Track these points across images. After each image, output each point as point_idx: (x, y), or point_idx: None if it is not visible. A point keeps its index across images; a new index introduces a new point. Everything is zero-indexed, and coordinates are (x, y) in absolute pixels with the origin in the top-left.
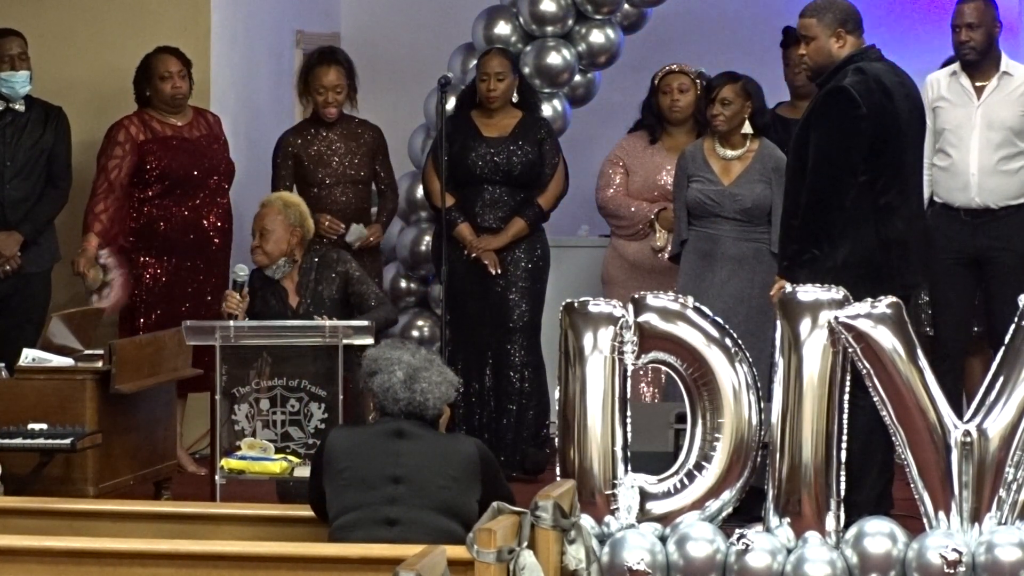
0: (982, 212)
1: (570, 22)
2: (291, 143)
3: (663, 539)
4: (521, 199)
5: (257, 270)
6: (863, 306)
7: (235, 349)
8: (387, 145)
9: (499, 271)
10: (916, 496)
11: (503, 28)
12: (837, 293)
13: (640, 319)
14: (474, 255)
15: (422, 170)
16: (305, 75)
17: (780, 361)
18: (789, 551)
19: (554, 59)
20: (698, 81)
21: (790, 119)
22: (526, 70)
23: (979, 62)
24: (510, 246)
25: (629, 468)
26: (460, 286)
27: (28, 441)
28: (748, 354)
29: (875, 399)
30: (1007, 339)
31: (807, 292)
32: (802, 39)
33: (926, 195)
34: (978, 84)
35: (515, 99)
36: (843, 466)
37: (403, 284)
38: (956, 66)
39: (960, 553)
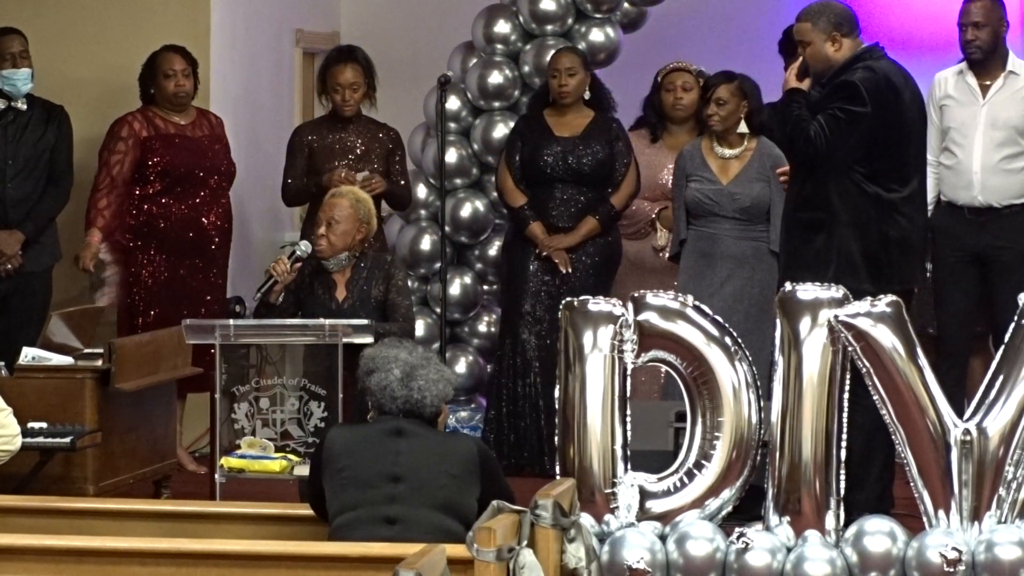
0: (985, 211)
1: (570, 21)
2: (307, 135)
3: (663, 538)
4: (592, 198)
5: (312, 256)
6: (863, 305)
7: (235, 347)
8: (404, 147)
9: (569, 270)
10: (916, 495)
11: (503, 27)
12: (837, 291)
13: (640, 318)
14: (545, 253)
15: (495, 170)
16: (323, 73)
17: (780, 360)
18: (789, 550)
19: None
20: (699, 80)
21: None
22: (526, 69)
23: (985, 61)
24: (580, 244)
25: (629, 467)
26: (524, 284)
27: (28, 440)
28: (748, 353)
29: (875, 398)
30: (1007, 338)
31: (807, 291)
32: (799, 44)
33: (932, 194)
34: (984, 83)
35: (587, 97)
36: (843, 465)
37: None
38: (963, 64)
39: (960, 552)
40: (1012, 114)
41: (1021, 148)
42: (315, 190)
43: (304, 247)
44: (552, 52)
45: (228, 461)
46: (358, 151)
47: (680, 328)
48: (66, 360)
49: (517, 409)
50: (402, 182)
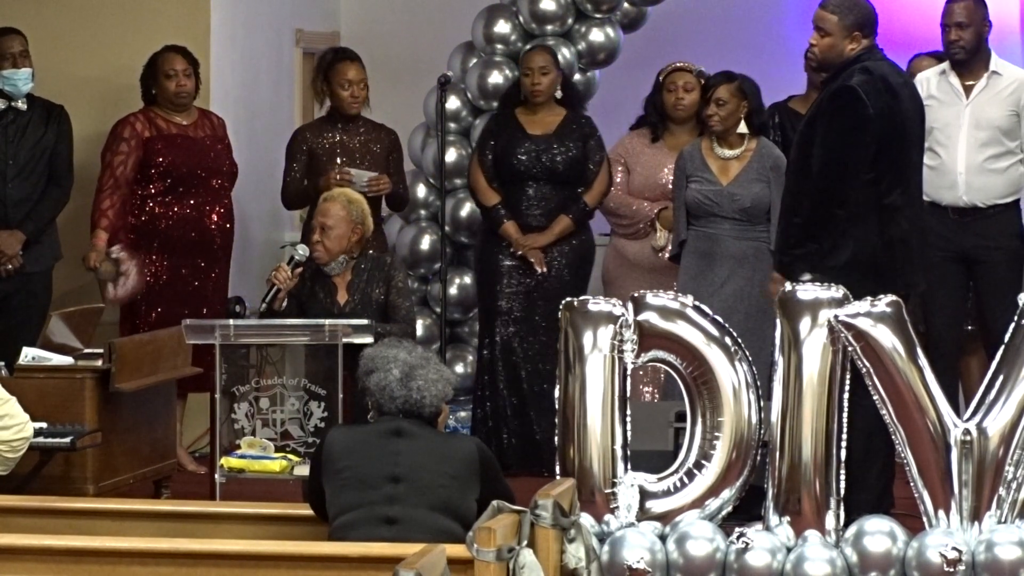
0: (970, 211)
1: (570, 21)
2: (307, 136)
3: (663, 538)
4: (565, 196)
5: (310, 260)
6: (863, 305)
7: (235, 347)
8: (402, 149)
9: (544, 269)
10: (916, 495)
11: (503, 27)
12: (837, 292)
13: (640, 318)
14: (519, 253)
15: (468, 169)
16: (325, 72)
17: (780, 360)
18: (789, 550)
19: None
20: (701, 80)
21: (803, 114)
22: None
23: (968, 61)
24: (554, 242)
25: (629, 467)
26: (499, 282)
27: None
28: (748, 353)
29: (875, 398)
30: (1007, 337)
31: (807, 291)
32: (817, 30)
33: None
34: (967, 83)
35: (558, 96)
36: (843, 465)
37: None
38: (946, 65)
39: (960, 552)
40: (996, 114)
41: (1005, 148)
42: (313, 193)
43: (302, 251)
44: (524, 51)
45: (228, 461)
46: (358, 152)
47: (680, 328)
48: (66, 360)
49: (499, 408)
50: (400, 183)
